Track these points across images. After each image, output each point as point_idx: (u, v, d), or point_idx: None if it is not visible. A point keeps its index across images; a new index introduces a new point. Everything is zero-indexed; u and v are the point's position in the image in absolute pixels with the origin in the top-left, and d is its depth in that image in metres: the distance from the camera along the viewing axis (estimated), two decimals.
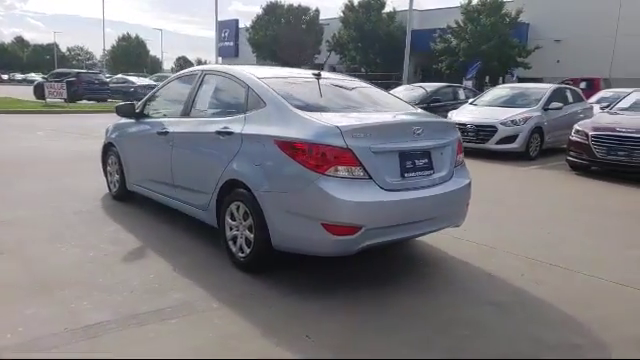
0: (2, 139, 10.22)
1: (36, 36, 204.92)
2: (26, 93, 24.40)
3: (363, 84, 4.46)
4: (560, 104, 10.46)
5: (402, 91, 13.07)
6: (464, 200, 3.79)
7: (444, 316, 3.00)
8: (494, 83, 25.44)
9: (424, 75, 34.68)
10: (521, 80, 24.17)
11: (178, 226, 4.47)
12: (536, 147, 9.93)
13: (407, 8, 23.58)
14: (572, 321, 2.99)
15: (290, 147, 3.16)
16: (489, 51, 27.57)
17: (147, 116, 4.97)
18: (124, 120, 5.31)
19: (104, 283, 3.25)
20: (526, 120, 9.70)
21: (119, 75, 32.49)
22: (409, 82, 20.42)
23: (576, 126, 8.49)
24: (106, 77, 28.40)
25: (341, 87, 4.14)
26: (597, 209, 5.98)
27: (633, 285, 3.54)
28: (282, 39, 39.00)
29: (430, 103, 12.07)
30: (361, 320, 2.89)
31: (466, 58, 28.16)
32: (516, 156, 9.61)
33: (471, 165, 4.04)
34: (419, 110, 4.31)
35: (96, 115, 16.87)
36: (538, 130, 9.87)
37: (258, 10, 52.07)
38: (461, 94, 14.11)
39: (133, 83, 26.21)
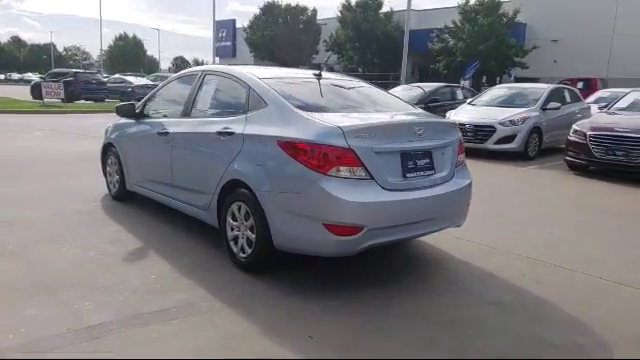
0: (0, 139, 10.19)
1: (33, 36, 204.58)
2: (23, 93, 24.28)
3: (363, 84, 4.46)
4: (558, 104, 10.49)
5: (400, 91, 13.07)
6: (465, 200, 3.80)
7: (446, 316, 3.01)
8: (491, 83, 25.51)
9: (421, 75, 34.68)
10: (518, 80, 24.20)
11: (179, 226, 4.47)
12: (534, 147, 9.95)
13: (404, 8, 23.63)
14: (574, 321, 3.00)
15: (292, 147, 3.16)
16: (486, 51, 27.61)
17: (147, 116, 4.96)
18: (124, 120, 5.30)
19: (106, 284, 3.24)
20: (524, 120, 9.72)
21: (116, 75, 32.54)
22: (407, 82, 20.46)
23: (574, 126, 8.51)
24: (104, 77, 28.39)
25: (341, 87, 4.13)
26: (596, 209, 6.01)
27: (633, 284, 3.56)
28: (280, 39, 38.98)
29: (428, 103, 12.09)
30: (363, 320, 2.89)
31: (463, 58, 28.19)
32: (515, 156, 9.63)
33: (470, 165, 4.05)
34: (420, 110, 4.32)
35: (94, 115, 16.84)
36: (536, 130, 9.89)
37: (255, 10, 51.93)
38: (459, 94, 14.16)
39: (131, 83, 26.29)
